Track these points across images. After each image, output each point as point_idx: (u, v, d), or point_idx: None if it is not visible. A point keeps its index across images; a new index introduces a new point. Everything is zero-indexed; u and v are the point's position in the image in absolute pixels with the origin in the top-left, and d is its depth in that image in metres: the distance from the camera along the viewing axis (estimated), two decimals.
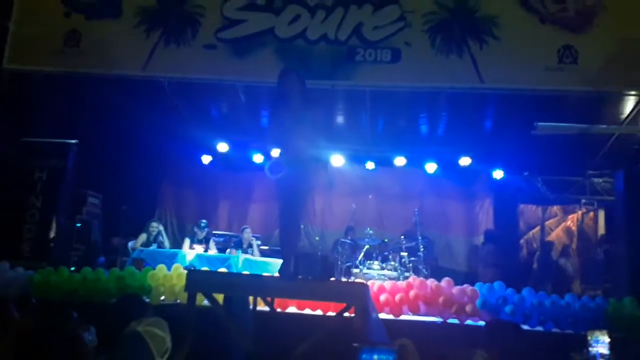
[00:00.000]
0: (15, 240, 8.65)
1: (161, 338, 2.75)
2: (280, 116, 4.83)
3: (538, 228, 12.24)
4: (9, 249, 8.39)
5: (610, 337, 4.99)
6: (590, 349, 4.82)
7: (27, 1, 8.26)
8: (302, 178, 4.77)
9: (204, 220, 9.69)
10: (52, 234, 8.70)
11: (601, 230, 10.35)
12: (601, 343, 4.88)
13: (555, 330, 6.80)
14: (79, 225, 9.44)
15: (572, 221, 12.70)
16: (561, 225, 13.33)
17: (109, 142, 9.53)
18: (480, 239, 10.49)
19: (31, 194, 8.81)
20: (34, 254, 8.57)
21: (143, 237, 9.29)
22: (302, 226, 5.30)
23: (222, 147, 10.54)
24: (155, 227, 9.49)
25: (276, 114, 4.94)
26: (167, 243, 9.52)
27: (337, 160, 10.57)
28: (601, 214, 10.42)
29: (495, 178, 10.55)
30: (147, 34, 7.84)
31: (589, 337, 4.84)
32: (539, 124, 8.29)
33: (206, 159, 11.13)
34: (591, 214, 10.80)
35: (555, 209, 13.14)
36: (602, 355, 4.78)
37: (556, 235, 13.31)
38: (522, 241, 12.60)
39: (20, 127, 8.93)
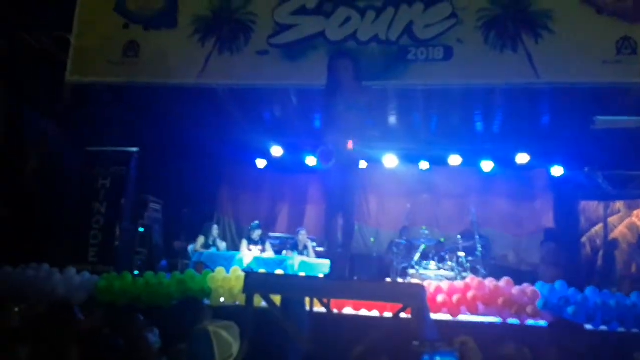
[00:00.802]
0: (81, 246, 8.94)
1: (227, 342, 2.82)
2: (333, 103, 4.80)
3: (601, 225, 11.85)
4: (75, 255, 8.73)
5: None
6: None
7: (87, 14, 8.50)
8: (349, 173, 4.76)
9: (256, 221, 9.84)
10: (116, 240, 8.98)
11: None
12: None
13: (620, 329, 6.61)
14: (141, 230, 9.71)
15: (636, 217, 12.23)
16: (625, 221, 12.86)
17: (169, 149, 9.80)
18: (540, 237, 10.26)
19: (96, 201, 9.11)
20: (99, 259, 8.85)
21: (201, 239, 9.52)
22: (355, 226, 5.24)
23: (277, 150, 10.68)
24: (214, 230, 9.71)
25: (329, 102, 4.90)
26: (222, 245, 9.71)
27: (391, 160, 10.55)
28: None
29: (555, 175, 10.31)
30: (202, 43, 7.98)
31: None
32: (599, 118, 8.07)
33: (261, 163, 11.30)
34: None
35: (618, 204, 12.69)
36: None
37: (620, 232, 12.84)
38: (584, 239, 12.24)
39: (84, 137, 9.27)
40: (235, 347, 2.83)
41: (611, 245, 10.69)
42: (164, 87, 8.24)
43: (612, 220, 12.38)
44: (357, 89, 4.81)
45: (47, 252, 8.44)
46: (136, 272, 8.16)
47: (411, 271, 8.95)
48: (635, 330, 6.49)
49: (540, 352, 4.15)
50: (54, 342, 3.67)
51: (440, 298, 6.97)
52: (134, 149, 9.28)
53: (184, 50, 8.05)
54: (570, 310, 6.61)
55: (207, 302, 7.27)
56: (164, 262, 9.62)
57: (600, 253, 11.31)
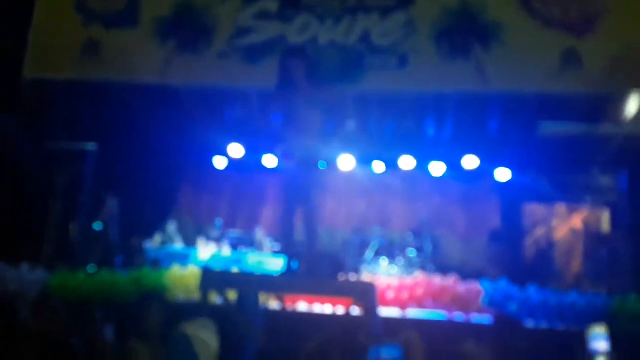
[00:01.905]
0: (36, 242, 8.88)
1: (207, 343, 2.92)
2: (288, 102, 4.86)
3: (544, 227, 12.32)
4: (29, 252, 8.62)
5: (612, 333, 5.13)
6: (590, 344, 4.98)
7: (45, 12, 8.44)
8: (308, 171, 4.88)
9: (219, 220, 9.93)
10: (72, 236, 8.93)
11: (605, 228, 10.46)
12: (600, 338, 5.04)
13: (559, 327, 6.96)
14: (97, 227, 9.68)
15: (577, 220, 12.76)
16: (566, 223, 13.38)
17: (127, 146, 9.75)
18: (486, 238, 10.64)
19: (52, 197, 9.04)
20: (54, 256, 8.81)
21: (158, 237, 9.54)
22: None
23: (236, 150, 10.77)
24: (171, 227, 9.74)
25: (282, 101, 4.98)
26: (178, 243, 9.76)
27: (346, 162, 10.77)
28: (605, 213, 10.53)
29: (501, 178, 10.67)
30: (163, 42, 8.05)
31: (588, 333, 4.99)
32: (543, 124, 8.45)
33: (220, 162, 11.36)
34: (596, 212, 10.90)
35: (561, 207, 13.18)
36: (601, 350, 4.93)
37: (562, 233, 13.37)
38: (528, 240, 12.68)
39: (40, 133, 9.18)
40: (214, 345, 2.92)
41: (553, 247, 11.14)
42: (124, 84, 8.23)
43: (554, 222, 12.88)
44: (311, 88, 4.90)
45: (1, 249, 8.35)
46: (92, 269, 8.14)
47: (363, 268, 9.20)
48: (574, 327, 6.77)
49: (482, 348, 4.39)
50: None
51: (389, 294, 7.22)
52: (92, 146, 9.23)
53: (145, 50, 8.08)
54: (512, 306, 6.94)
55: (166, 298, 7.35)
56: (119, 259, 9.61)
57: (543, 253, 11.76)
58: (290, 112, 4.92)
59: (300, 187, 4.95)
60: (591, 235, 10.78)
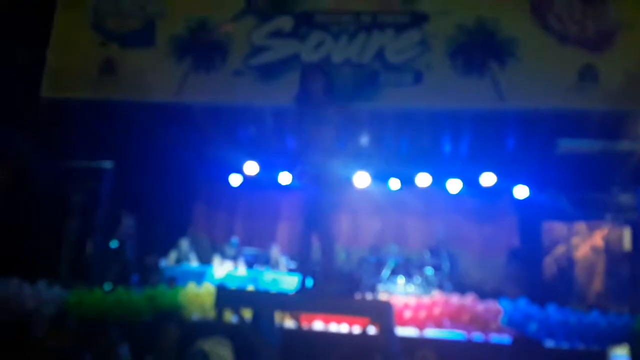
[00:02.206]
0: (54, 261, 8.92)
1: (225, 357, 2.91)
2: (306, 119, 4.85)
3: (564, 245, 12.16)
4: (47, 270, 8.66)
5: (633, 352, 5.03)
6: None
7: (63, 31, 8.57)
8: (324, 190, 4.85)
9: (235, 238, 9.93)
10: (88, 255, 8.96)
11: (627, 246, 10.30)
12: (621, 358, 4.95)
13: (580, 347, 6.83)
14: (114, 245, 9.71)
15: (597, 238, 12.58)
16: (587, 242, 13.20)
17: (143, 165, 9.80)
18: (505, 257, 10.52)
19: (68, 215, 9.09)
20: (71, 274, 8.84)
21: (173, 255, 9.54)
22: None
23: (251, 168, 10.79)
24: (186, 245, 9.74)
25: (301, 115, 4.98)
26: (194, 261, 9.75)
27: (362, 179, 10.73)
28: (627, 231, 10.37)
29: (519, 196, 10.57)
30: (178, 62, 8.13)
31: (610, 354, 4.91)
32: (561, 141, 8.37)
33: (236, 180, 11.39)
34: (617, 230, 10.74)
35: (581, 226, 13.02)
36: None
37: (582, 252, 13.18)
38: (547, 259, 12.51)
39: (58, 152, 9.24)
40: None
41: (574, 265, 10.99)
42: (140, 103, 8.30)
43: (574, 241, 12.71)
44: (328, 104, 4.90)
45: (19, 267, 8.40)
46: (108, 287, 8.15)
47: (380, 287, 9.12)
48: (595, 348, 6.67)
49: None
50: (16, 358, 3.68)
51: (407, 313, 7.14)
52: (108, 164, 9.29)
53: (161, 69, 8.18)
54: (532, 326, 6.82)
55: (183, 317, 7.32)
56: (135, 278, 9.61)
57: (563, 273, 11.59)
58: (308, 129, 4.88)
59: (319, 205, 4.91)
60: (612, 254, 10.62)
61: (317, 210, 4.90)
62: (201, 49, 8.10)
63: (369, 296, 9.00)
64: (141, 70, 8.16)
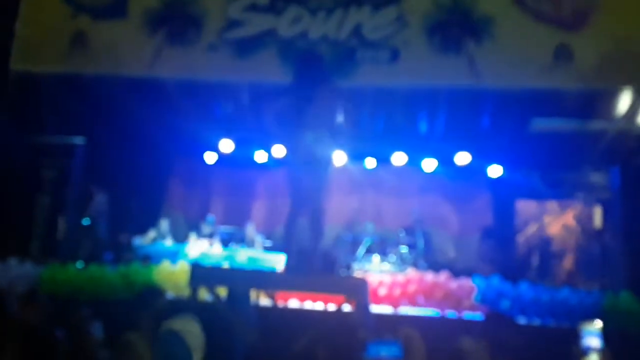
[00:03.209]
0: (24, 237, 8.78)
1: (197, 336, 2.86)
2: (305, 102, 4.80)
3: (536, 224, 12.32)
4: (18, 247, 8.56)
5: (604, 329, 5.09)
6: (582, 341, 4.95)
7: (33, 2, 8.34)
8: (319, 172, 4.83)
9: (211, 215, 9.85)
10: (60, 231, 8.83)
11: (598, 225, 10.47)
12: (593, 335, 5.01)
13: (552, 324, 6.94)
14: (86, 222, 9.58)
15: (569, 217, 12.77)
16: (559, 220, 13.39)
17: (116, 140, 9.66)
18: (478, 235, 10.61)
19: (39, 192, 8.93)
20: (42, 251, 8.71)
21: (152, 233, 9.45)
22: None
23: (226, 145, 10.67)
24: (164, 224, 9.65)
25: (300, 99, 4.94)
26: (169, 239, 9.68)
27: (339, 158, 10.68)
28: (598, 210, 10.53)
29: (493, 175, 10.65)
30: (152, 35, 7.93)
31: (581, 330, 4.96)
32: (535, 120, 8.41)
33: (211, 157, 11.28)
34: (588, 209, 10.91)
35: (553, 204, 13.19)
36: (594, 347, 4.90)
37: (554, 230, 13.37)
38: (520, 237, 12.66)
39: (28, 127, 9.05)
40: (202, 339, 2.88)
41: (546, 244, 11.15)
42: (113, 77, 8.11)
43: (546, 219, 12.87)
44: (328, 89, 4.88)
45: None
46: (80, 265, 8.06)
47: (355, 266, 9.15)
48: (566, 325, 6.79)
49: (474, 345, 4.35)
50: None
51: (382, 291, 7.18)
52: (80, 140, 9.12)
53: (134, 42, 7.98)
54: (505, 303, 6.91)
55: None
56: (108, 255, 9.51)
57: (536, 251, 11.75)
58: (298, 108, 4.86)
59: (311, 186, 4.90)
60: (583, 232, 10.80)
61: (310, 189, 4.90)
62: (175, 22, 7.92)
63: (344, 274, 9.05)
64: (113, 43, 7.95)
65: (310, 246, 5.06)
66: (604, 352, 4.84)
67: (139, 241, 9.42)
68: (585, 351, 5.13)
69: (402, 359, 2.33)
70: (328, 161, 4.92)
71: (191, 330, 2.84)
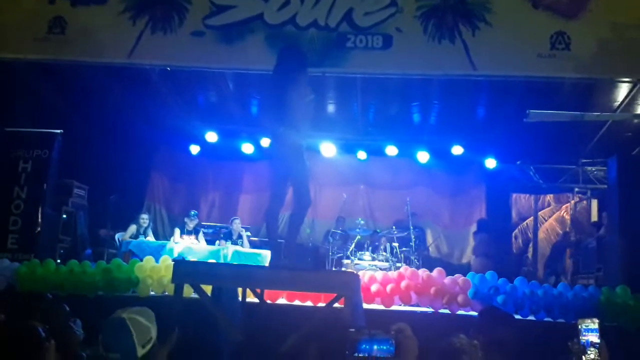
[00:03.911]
0: (0, 232, 8.52)
1: (145, 327, 2.73)
2: (284, 91, 4.72)
3: (531, 218, 12.23)
4: None
5: (601, 325, 4.91)
6: (581, 337, 4.75)
7: None
8: (298, 164, 4.71)
9: (194, 211, 9.65)
10: (37, 226, 8.56)
11: (594, 218, 10.35)
12: (591, 331, 4.79)
13: (547, 319, 6.77)
14: (64, 216, 9.31)
15: (565, 210, 12.70)
16: (554, 214, 13.34)
17: (95, 131, 9.44)
18: (472, 229, 10.46)
19: (16, 185, 8.65)
20: (19, 247, 8.45)
21: (132, 228, 9.22)
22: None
23: (211, 136, 10.44)
24: (146, 219, 9.42)
25: (280, 89, 4.83)
26: (152, 235, 9.44)
27: (328, 149, 10.47)
28: (594, 203, 10.41)
29: (488, 167, 10.50)
30: (133, 21, 7.66)
31: (579, 326, 4.76)
32: (531, 111, 8.23)
33: (195, 149, 11.04)
34: (584, 202, 10.79)
35: (549, 198, 13.13)
36: (592, 343, 4.69)
37: (549, 225, 13.32)
38: (515, 231, 12.58)
39: (3, 116, 8.74)
40: (153, 331, 2.73)
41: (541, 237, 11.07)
42: (92, 66, 7.90)
43: (542, 213, 12.81)
44: (306, 79, 4.78)
45: None
46: (58, 261, 7.79)
47: (346, 261, 9.00)
48: (561, 320, 6.64)
49: (469, 341, 4.16)
50: None
51: (374, 288, 6.99)
52: (58, 131, 8.85)
53: (114, 28, 7.71)
54: (499, 299, 6.74)
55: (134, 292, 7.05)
56: (88, 251, 9.28)
57: (531, 245, 11.66)
58: (285, 100, 4.71)
59: (290, 176, 4.74)
60: (580, 226, 10.67)
61: (282, 179, 4.74)
62: (157, 7, 7.63)
63: (334, 269, 8.87)
64: (92, 29, 7.68)
65: (288, 240, 4.89)
66: (600, 347, 4.65)
67: (120, 236, 9.15)
68: (581, 347, 4.93)
69: (394, 356, 2.20)
70: (299, 151, 4.74)
71: (139, 319, 2.67)
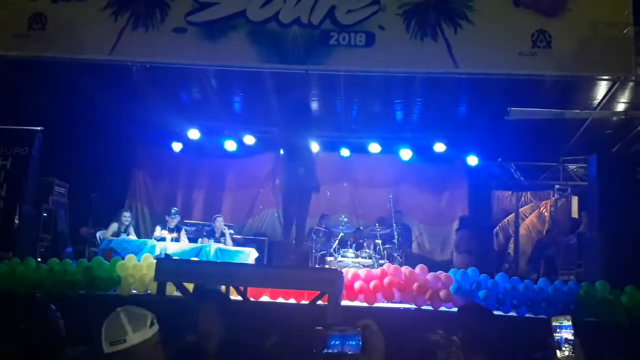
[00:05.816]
0: None
1: (139, 314, 2.73)
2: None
3: (513, 215, 12.31)
4: None
5: (575, 321, 4.94)
6: (555, 334, 4.78)
7: None
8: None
9: (175, 208, 9.59)
10: (17, 224, 8.45)
11: (574, 215, 10.43)
12: (565, 328, 4.82)
13: (528, 315, 6.81)
14: (45, 214, 9.19)
15: (545, 207, 12.81)
16: (535, 211, 13.46)
17: (76, 128, 9.31)
18: (455, 226, 10.50)
19: None
20: None
21: (114, 226, 9.11)
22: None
23: (193, 133, 10.36)
24: (127, 217, 9.32)
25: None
26: (133, 234, 9.36)
27: (312, 146, 10.45)
28: (574, 200, 10.50)
29: (470, 164, 10.54)
30: (114, 17, 7.65)
31: (553, 323, 4.80)
32: (512, 109, 8.30)
33: (177, 146, 10.95)
34: (564, 199, 10.88)
35: (529, 195, 13.23)
36: (566, 340, 4.73)
37: (530, 221, 13.43)
38: (497, 228, 12.65)
39: None
40: (149, 316, 2.73)
41: (521, 233, 11.15)
42: (73, 62, 7.80)
43: (523, 210, 12.90)
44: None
45: None
46: (39, 260, 7.69)
47: (329, 259, 8.97)
48: (542, 316, 6.67)
49: (450, 336, 4.19)
50: None
51: (357, 285, 6.98)
52: (38, 128, 8.75)
53: (95, 25, 7.70)
54: (481, 294, 6.78)
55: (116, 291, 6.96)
56: (69, 249, 9.14)
57: (512, 241, 11.74)
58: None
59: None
60: (560, 223, 10.75)
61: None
62: (139, 3, 7.64)
63: (317, 267, 8.85)
64: (73, 25, 7.66)
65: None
66: (579, 343, 4.69)
67: (101, 234, 9.05)
68: (561, 342, 4.97)
69: (360, 351, 2.22)
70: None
71: (134, 310, 2.69)
